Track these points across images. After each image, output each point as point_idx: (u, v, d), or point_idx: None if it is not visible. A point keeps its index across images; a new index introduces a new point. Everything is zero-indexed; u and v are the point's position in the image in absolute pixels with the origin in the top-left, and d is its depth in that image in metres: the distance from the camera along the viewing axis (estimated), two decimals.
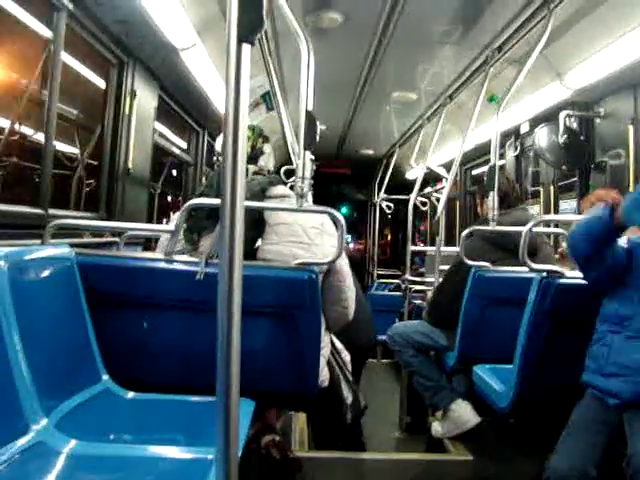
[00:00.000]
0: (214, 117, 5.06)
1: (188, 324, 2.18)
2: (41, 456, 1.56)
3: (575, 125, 4.21)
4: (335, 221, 2.17)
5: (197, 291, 2.08)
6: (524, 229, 2.53)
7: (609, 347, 2.10)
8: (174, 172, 5.78)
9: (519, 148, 5.19)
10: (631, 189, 3.43)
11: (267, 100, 3.90)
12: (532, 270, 2.50)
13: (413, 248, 5.00)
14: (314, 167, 2.58)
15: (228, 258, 1.18)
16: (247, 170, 2.38)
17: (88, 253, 2.19)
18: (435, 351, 3.45)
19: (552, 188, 4.64)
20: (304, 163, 2.12)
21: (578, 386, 2.19)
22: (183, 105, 4.88)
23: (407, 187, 5.70)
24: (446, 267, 3.56)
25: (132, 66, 3.59)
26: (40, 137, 2.87)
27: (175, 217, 2.19)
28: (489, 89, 3.87)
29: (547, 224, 3.64)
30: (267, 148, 2.54)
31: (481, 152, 5.81)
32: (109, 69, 3.51)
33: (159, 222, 5.00)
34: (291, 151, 2.54)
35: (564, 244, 3.13)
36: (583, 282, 2.29)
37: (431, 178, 7.24)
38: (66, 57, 2.99)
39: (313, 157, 2.39)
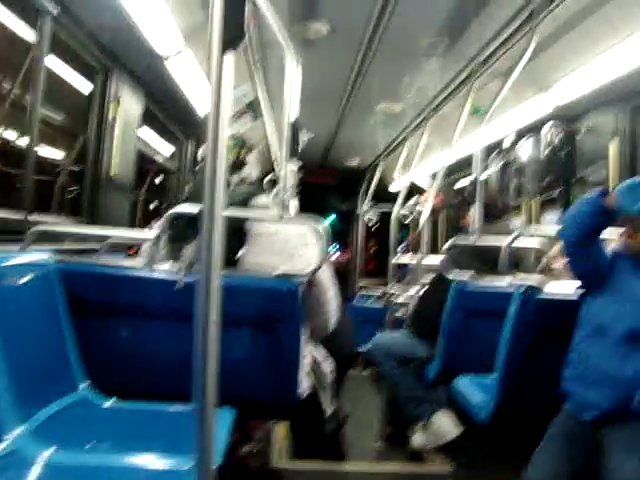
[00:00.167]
0: (199, 125, 5.04)
1: (169, 332, 2.16)
2: (14, 466, 1.54)
3: (558, 139, 4.25)
4: (317, 231, 2.17)
5: (178, 300, 2.07)
6: (505, 242, 2.55)
7: (586, 355, 2.11)
8: (157, 180, 5.75)
9: (502, 161, 5.22)
10: None
11: (252, 109, 3.90)
12: (512, 284, 2.52)
13: (394, 261, 5.02)
14: (299, 177, 2.58)
15: (206, 267, 1.18)
16: (230, 180, 2.37)
17: (69, 260, 2.18)
18: (416, 362, 3.45)
19: (534, 202, 4.67)
20: (286, 173, 2.13)
21: (558, 397, 2.20)
22: (168, 112, 4.86)
23: (392, 198, 5.71)
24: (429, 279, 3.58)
25: (117, 72, 3.57)
26: (22, 142, 2.85)
27: (157, 225, 2.18)
28: (474, 102, 3.90)
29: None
30: (251, 158, 2.54)
31: (465, 165, 5.84)
32: (94, 75, 3.49)
33: (143, 229, 4.96)
34: (274, 161, 2.55)
35: (545, 259, 3.14)
36: (562, 296, 2.31)
37: (416, 190, 7.27)
38: (50, 61, 2.97)
39: (297, 167, 2.39)
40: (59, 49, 3.04)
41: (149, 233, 2.31)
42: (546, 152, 4.19)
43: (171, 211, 2.13)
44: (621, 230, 2.15)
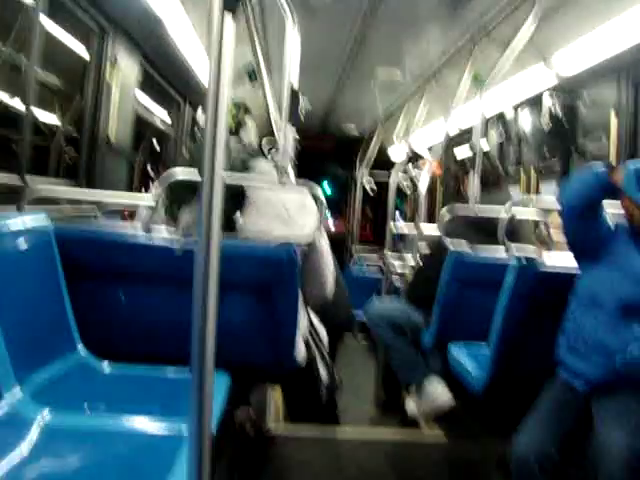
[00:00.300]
0: (197, 89, 4.99)
1: (166, 297, 2.16)
2: (13, 425, 1.55)
3: (559, 110, 4.22)
4: (314, 197, 2.16)
5: (175, 265, 2.06)
6: (503, 209, 2.55)
7: (580, 324, 2.13)
8: (155, 143, 5.70)
9: (503, 131, 5.19)
10: None
11: (250, 73, 3.86)
12: (510, 253, 2.52)
13: (393, 224, 5.00)
14: (298, 145, 2.56)
15: (205, 233, 1.17)
16: (229, 144, 2.35)
17: (66, 224, 2.17)
18: (411, 329, 3.47)
19: (533, 171, 4.65)
20: (286, 138, 2.11)
21: (552, 368, 2.22)
22: (166, 76, 4.80)
23: (390, 165, 5.67)
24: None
25: (114, 34, 3.51)
26: (17, 104, 2.80)
27: (154, 189, 2.16)
28: (475, 71, 3.85)
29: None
30: (249, 120, 2.51)
31: (465, 134, 5.81)
32: (90, 37, 3.43)
33: (139, 192, 4.93)
34: (274, 126, 2.51)
35: (543, 228, 3.14)
36: (560, 269, 2.31)
37: (415, 158, 7.22)
38: (45, 21, 2.91)
39: (296, 134, 2.37)
40: (55, 10, 2.97)
41: (147, 196, 2.29)
42: (546, 123, 4.16)
43: (168, 174, 2.11)
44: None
